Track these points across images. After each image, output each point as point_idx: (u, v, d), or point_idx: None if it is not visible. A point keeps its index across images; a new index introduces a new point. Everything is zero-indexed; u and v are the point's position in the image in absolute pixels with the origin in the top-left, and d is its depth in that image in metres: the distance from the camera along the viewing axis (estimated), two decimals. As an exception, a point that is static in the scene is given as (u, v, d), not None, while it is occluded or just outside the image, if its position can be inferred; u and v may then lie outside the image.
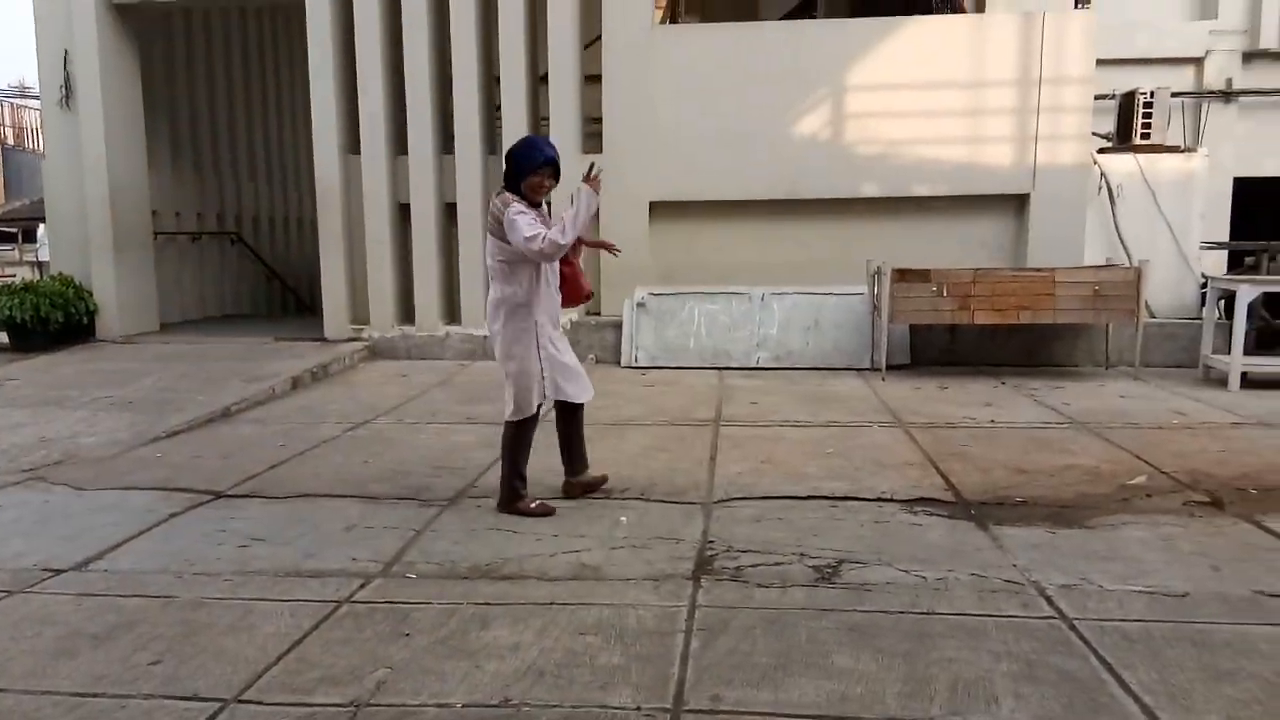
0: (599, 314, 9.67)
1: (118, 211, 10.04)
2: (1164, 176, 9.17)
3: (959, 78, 9.07)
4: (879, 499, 4.73)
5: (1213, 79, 11.67)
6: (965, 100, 9.10)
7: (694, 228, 9.54)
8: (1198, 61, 11.70)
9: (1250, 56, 11.69)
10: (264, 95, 13.71)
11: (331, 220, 9.67)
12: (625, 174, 9.41)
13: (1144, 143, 9.22)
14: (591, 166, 4.45)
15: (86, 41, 9.72)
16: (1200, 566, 3.77)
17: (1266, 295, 8.27)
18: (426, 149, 9.52)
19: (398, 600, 3.51)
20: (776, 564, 3.83)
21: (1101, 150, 9.43)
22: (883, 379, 8.22)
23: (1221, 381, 7.76)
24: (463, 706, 2.74)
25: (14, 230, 20.36)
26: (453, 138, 9.66)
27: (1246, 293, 7.64)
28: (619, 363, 9.14)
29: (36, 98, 13.15)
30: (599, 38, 9.48)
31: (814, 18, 9.84)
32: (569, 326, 9.45)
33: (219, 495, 4.91)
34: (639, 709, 2.70)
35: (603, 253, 9.59)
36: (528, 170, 4.33)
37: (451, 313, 9.86)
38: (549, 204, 4.68)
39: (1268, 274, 8.39)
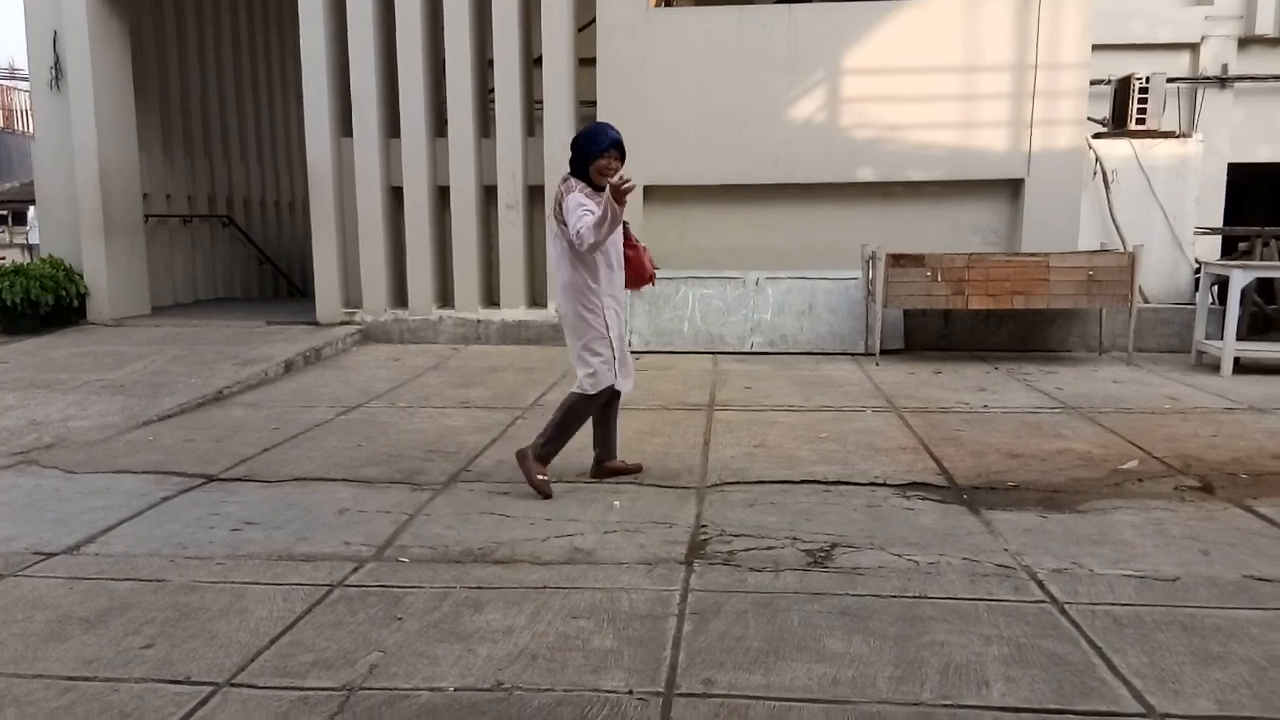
0: (593, 298, 9.63)
1: (108, 194, 9.97)
2: (1159, 162, 9.16)
3: (954, 62, 9.04)
4: (872, 483, 4.74)
5: (1208, 65, 11.66)
6: (960, 84, 9.06)
7: (688, 211, 9.51)
8: (1193, 47, 11.69)
9: (1246, 42, 11.69)
10: (255, 77, 13.61)
11: (324, 203, 9.62)
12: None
13: (1139, 128, 9.21)
14: (624, 180, 4.34)
15: (76, 22, 9.63)
16: (1191, 551, 3.79)
17: (1260, 281, 8.30)
18: (419, 132, 9.47)
19: (390, 584, 3.51)
20: (769, 548, 3.84)
21: (1096, 135, 9.42)
22: (877, 363, 8.22)
23: (1214, 366, 7.78)
24: (455, 690, 2.74)
25: (4, 213, 20.25)
26: (446, 120, 9.61)
27: (1240, 278, 7.65)
28: (613, 347, 9.11)
29: (26, 79, 13.01)
30: (593, 20, 9.42)
31: (809, 1, 9.78)
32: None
33: (211, 479, 4.90)
34: (631, 692, 2.71)
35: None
36: (594, 154, 4.35)
37: (445, 296, 9.83)
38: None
39: (1261, 259, 8.41)
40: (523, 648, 2.99)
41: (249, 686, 2.77)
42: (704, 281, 9.04)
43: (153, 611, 3.27)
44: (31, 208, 15.98)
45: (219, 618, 3.22)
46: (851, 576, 3.54)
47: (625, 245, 4.69)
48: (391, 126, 9.61)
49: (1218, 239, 10.96)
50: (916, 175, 9.24)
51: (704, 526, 4.11)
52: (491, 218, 9.69)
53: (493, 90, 9.61)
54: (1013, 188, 9.27)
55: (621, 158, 4.41)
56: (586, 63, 9.67)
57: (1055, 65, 8.95)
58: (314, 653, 2.96)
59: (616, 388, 4.67)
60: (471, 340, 9.49)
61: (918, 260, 8.11)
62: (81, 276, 9.92)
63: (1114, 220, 9.14)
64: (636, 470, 4.94)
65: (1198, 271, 8.77)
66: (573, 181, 4.43)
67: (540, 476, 4.58)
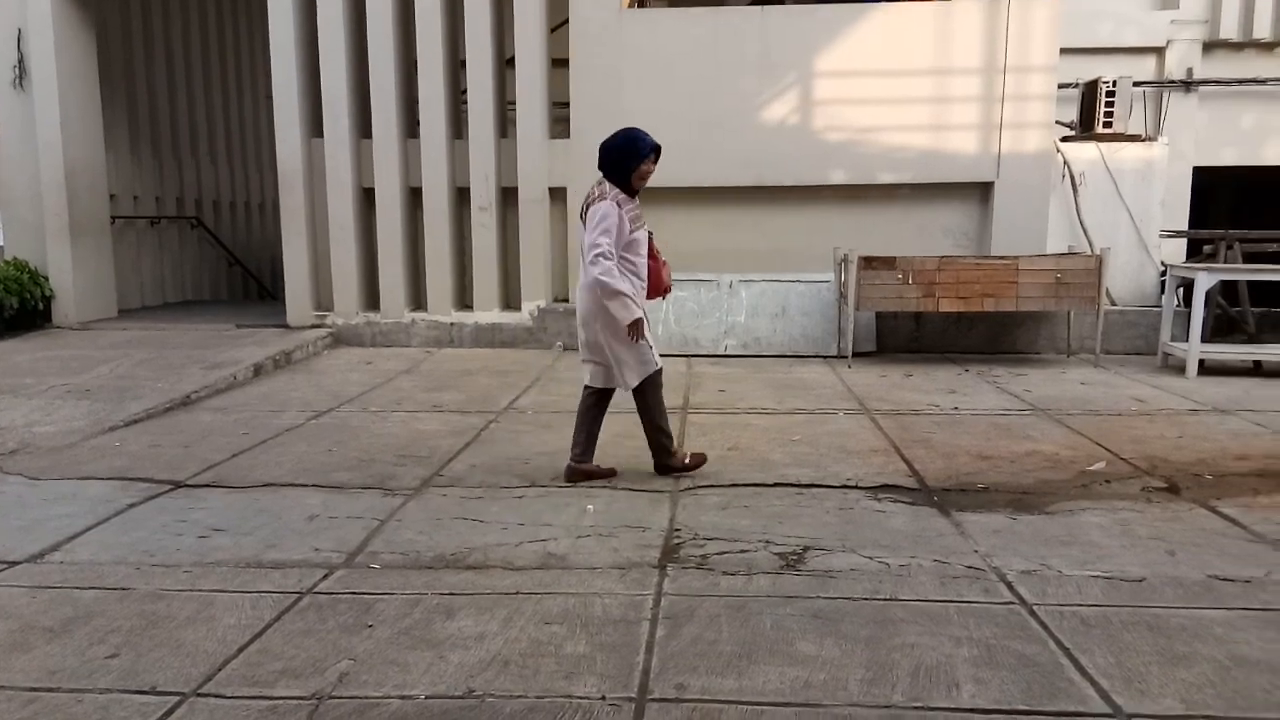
0: (567, 301, 9.63)
1: (74, 195, 9.82)
2: (1125, 165, 9.28)
3: (925, 65, 9.11)
4: (844, 486, 4.76)
5: (1174, 69, 11.82)
6: (931, 87, 9.14)
7: (662, 214, 9.46)
8: (1159, 51, 11.84)
9: (1210, 47, 11.85)
10: (225, 77, 13.46)
11: (294, 205, 9.53)
12: (593, 160, 9.32)
13: (1106, 131, 9.32)
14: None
15: (41, 20, 9.47)
16: (1156, 551, 3.84)
17: (1224, 284, 8.42)
18: (391, 132, 9.40)
19: (361, 591, 3.48)
20: (742, 551, 3.85)
21: (1065, 138, 9.53)
22: (849, 366, 8.27)
23: (1179, 368, 7.90)
24: (426, 698, 2.72)
25: (-33, 213, 19.88)
26: (418, 121, 9.55)
27: (1205, 281, 7.77)
28: (586, 349, 9.10)
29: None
30: (566, 21, 9.40)
31: (783, 3, 9.83)
32: (536, 313, 9.42)
33: (179, 485, 4.84)
34: (604, 698, 2.70)
35: (569, 236, 9.61)
36: (639, 161, 4.54)
37: (417, 299, 9.77)
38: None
39: (1225, 262, 8.54)
40: (495, 654, 2.97)
41: (216, 696, 2.73)
42: (678, 284, 9.01)
43: (118, 620, 3.23)
44: (-5, 208, 15.68)
45: (186, 626, 3.18)
46: (824, 579, 3.55)
47: (649, 256, 4.79)
48: (363, 127, 9.55)
49: (1183, 242, 11.12)
50: (888, 178, 9.30)
51: (677, 530, 4.11)
52: (464, 220, 9.65)
53: (465, 91, 9.57)
54: (983, 190, 9.35)
55: (657, 159, 4.62)
56: (560, 64, 9.67)
57: (1024, 68, 9.04)
58: (283, 661, 2.93)
59: (616, 385, 4.85)
60: (444, 343, 9.44)
61: (889, 263, 8.17)
62: (47, 279, 9.76)
63: (1081, 223, 9.25)
64: (611, 475, 4.95)
65: (1163, 274, 8.89)
66: (607, 187, 4.57)
67: (686, 457, 4.95)
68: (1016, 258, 8.22)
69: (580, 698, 2.71)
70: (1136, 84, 10.54)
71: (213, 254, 13.10)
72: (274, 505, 4.49)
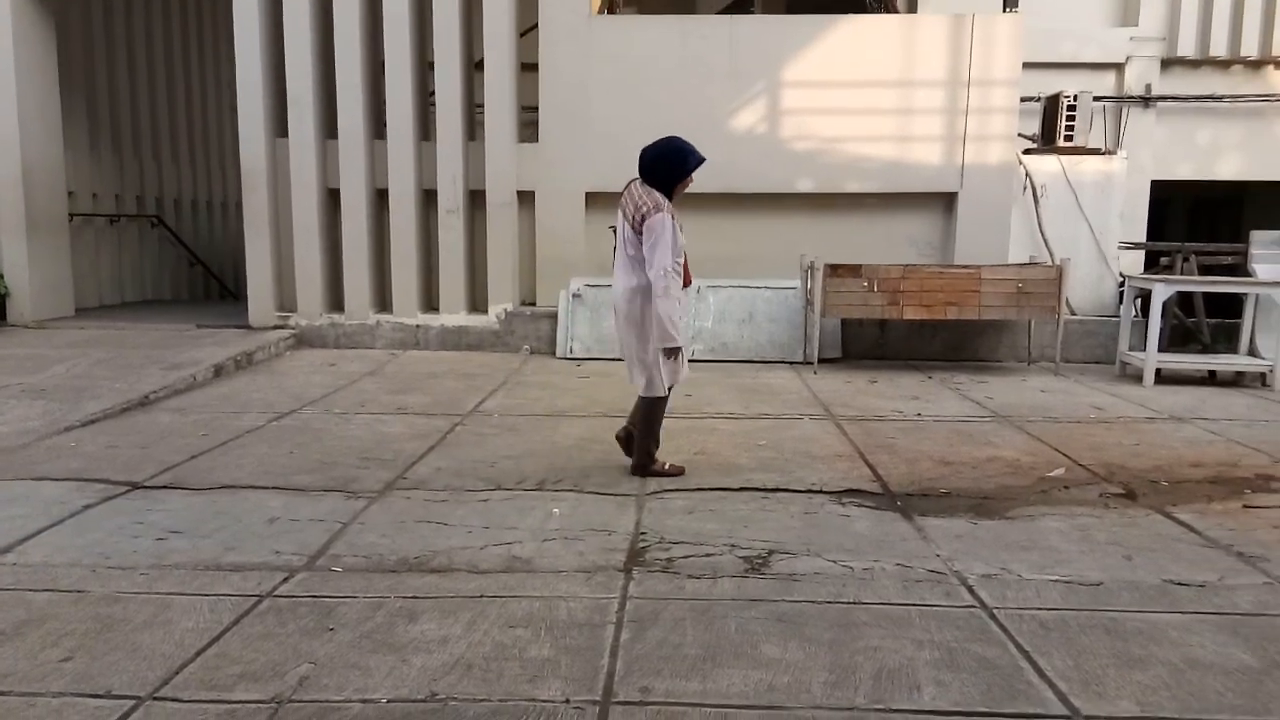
0: (534, 305, 9.61)
1: (31, 191, 9.63)
2: (1085, 178, 9.45)
3: (891, 77, 9.21)
4: (809, 490, 4.79)
5: (1133, 84, 12.05)
6: (897, 99, 9.24)
7: (630, 219, 9.50)
8: (1119, 67, 12.06)
9: (1168, 63, 12.10)
10: (188, 74, 13.28)
11: (257, 204, 9.41)
12: (562, 164, 9.36)
13: (1067, 145, 9.48)
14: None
15: (-1, 15, 9.30)
16: (1114, 556, 3.90)
17: (1180, 295, 8.60)
18: (357, 134, 9.32)
19: (322, 594, 3.44)
20: (707, 555, 3.85)
21: (1026, 151, 9.68)
22: (815, 372, 8.33)
23: (1137, 377, 8.05)
24: (388, 702, 2.69)
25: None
26: (385, 123, 9.48)
27: (1161, 292, 7.93)
28: (554, 354, 9.10)
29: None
30: (536, 25, 9.39)
31: (750, 13, 9.91)
32: (503, 316, 9.38)
33: (136, 486, 4.75)
34: (568, 701, 2.69)
35: (537, 240, 9.60)
36: (684, 174, 4.70)
37: (383, 301, 9.69)
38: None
39: (1181, 274, 8.72)
40: (458, 658, 2.95)
41: (173, 700, 2.69)
42: (645, 289, 9.04)
43: (72, 623, 3.16)
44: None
45: (142, 629, 3.12)
46: (788, 583, 3.57)
47: None
48: (328, 127, 9.45)
49: (1141, 254, 11.34)
50: (854, 187, 9.39)
51: (643, 534, 4.11)
52: (431, 222, 9.59)
53: (433, 93, 9.52)
54: (947, 201, 9.47)
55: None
56: (529, 68, 9.65)
57: (987, 82, 9.18)
58: (241, 665, 2.89)
59: (677, 382, 5.00)
60: (410, 345, 9.38)
61: (855, 271, 8.24)
62: (2, 277, 9.56)
63: (1043, 234, 9.39)
64: (681, 472, 5.08)
65: (1122, 285, 9.06)
66: (660, 197, 4.67)
67: (665, 465, 5.01)
68: (979, 267, 8.34)
69: (544, 701, 2.70)
70: (1097, 99, 10.72)
71: (174, 253, 12.90)
72: (233, 507, 4.42)
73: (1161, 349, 8.08)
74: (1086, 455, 5.54)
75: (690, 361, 8.69)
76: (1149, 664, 2.96)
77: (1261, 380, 8.02)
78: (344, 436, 5.85)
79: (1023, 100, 9.52)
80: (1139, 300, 8.72)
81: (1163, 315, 7.94)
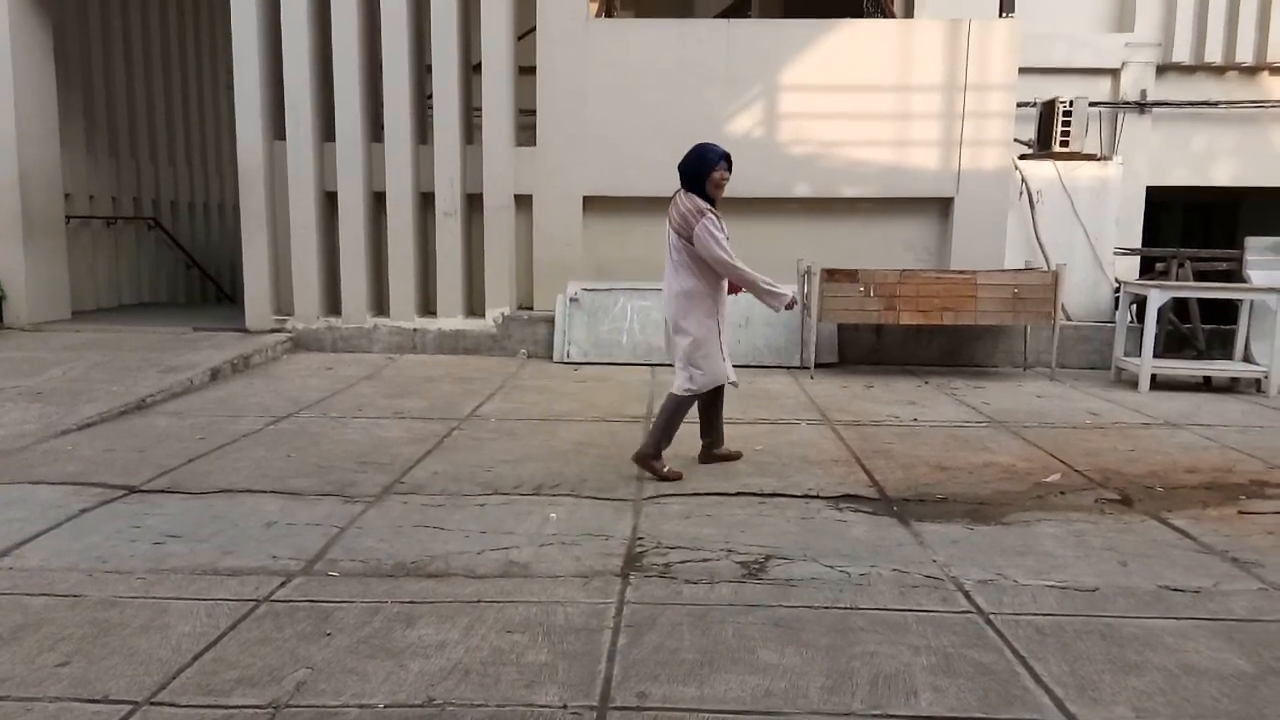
0: (531, 309, 9.61)
1: (28, 194, 9.62)
2: (1081, 183, 9.47)
3: (887, 81, 9.23)
4: (806, 495, 4.80)
5: (1128, 90, 12.10)
6: (894, 104, 9.26)
7: (628, 223, 9.52)
8: (1114, 72, 12.12)
9: (1164, 69, 12.15)
10: (185, 77, 13.27)
11: (254, 207, 9.41)
12: (559, 168, 9.37)
13: (1063, 150, 9.52)
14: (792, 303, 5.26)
15: (-4, 17, 9.29)
16: (1109, 561, 3.91)
17: (1175, 300, 8.62)
18: (355, 136, 9.32)
19: (319, 599, 3.44)
20: (705, 560, 3.86)
21: (1023, 156, 9.70)
22: (811, 377, 8.34)
23: (1132, 383, 8.07)
24: (385, 707, 2.69)
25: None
26: (382, 125, 9.49)
27: (1157, 297, 7.95)
28: (551, 358, 9.10)
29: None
30: (533, 29, 9.40)
31: (747, 17, 9.94)
32: (500, 320, 9.39)
33: (133, 490, 4.75)
34: (565, 707, 2.70)
35: (534, 244, 9.61)
36: (709, 169, 4.99)
37: (380, 304, 9.69)
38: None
39: (1177, 280, 8.74)
40: (455, 663, 2.95)
41: (170, 705, 2.69)
42: (643, 293, 9.06)
43: (69, 628, 3.16)
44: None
45: (139, 634, 3.12)
46: (785, 588, 3.58)
47: None
48: (326, 130, 9.45)
49: (1136, 259, 11.37)
50: (851, 192, 9.41)
51: (640, 539, 4.12)
52: (429, 225, 9.59)
53: (431, 96, 9.52)
54: (943, 206, 9.49)
55: (729, 168, 5.07)
56: (527, 71, 9.66)
57: (984, 87, 9.20)
58: (238, 670, 2.89)
59: (729, 381, 5.22)
60: (407, 349, 9.37)
61: (851, 275, 8.26)
62: (-3, 279, 9.56)
63: (1038, 239, 9.42)
64: (738, 457, 5.43)
65: (1117, 291, 9.08)
66: (699, 201, 4.97)
67: (665, 468, 5.06)
68: (975, 272, 8.36)
69: (542, 706, 2.70)
70: (1093, 104, 10.76)
71: (170, 256, 12.89)
72: (230, 512, 4.42)
73: (1157, 355, 8.10)
74: (1082, 461, 5.56)
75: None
76: (1144, 670, 2.97)
77: (1256, 386, 8.04)
78: (341, 440, 5.85)
79: (1019, 105, 9.55)
80: (1134, 306, 8.74)
81: (1158, 321, 7.97)
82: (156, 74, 12.56)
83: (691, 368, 5.07)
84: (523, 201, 9.47)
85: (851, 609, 3.39)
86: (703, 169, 5.00)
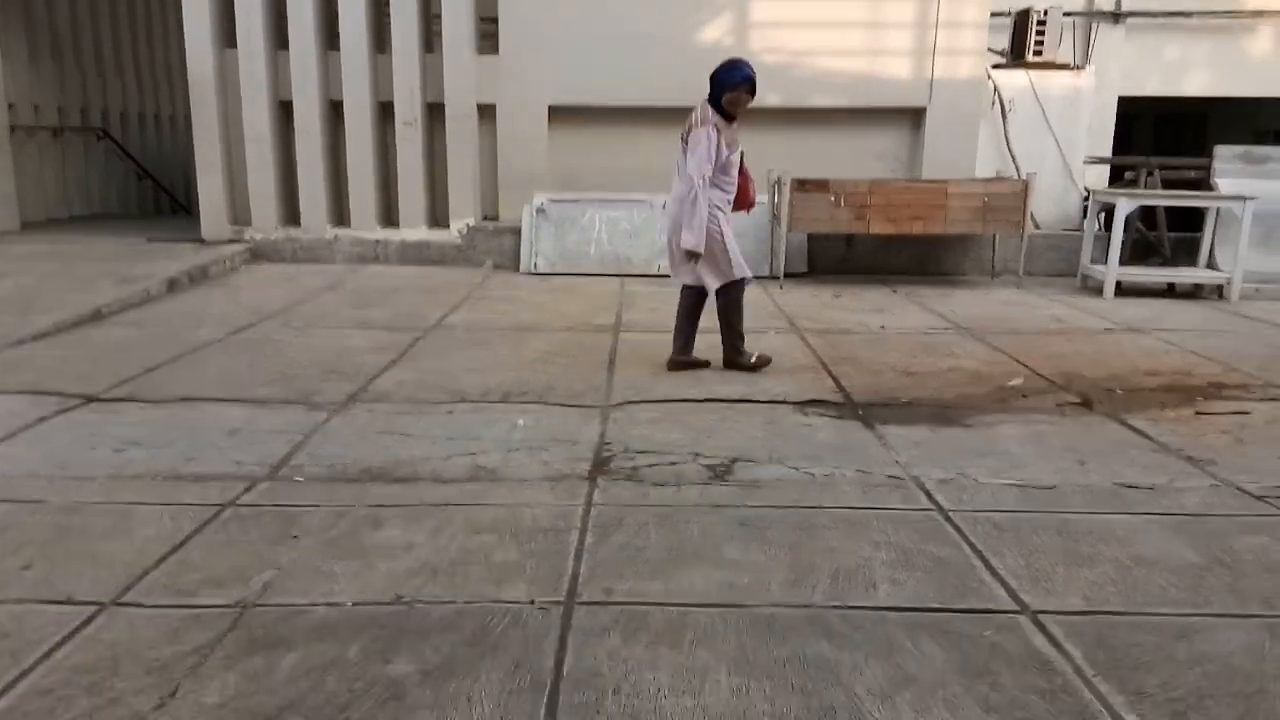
0: (497, 219, 9.46)
1: (-32, 101, 9.25)
2: (1054, 93, 9.39)
3: (861, -15, 9.01)
4: (772, 401, 4.82)
5: (1102, -1, 11.91)
6: (866, 12, 9.06)
7: (594, 133, 9.34)
8: (1090, -20, 11.90)
9: (1138, -23, 11.95)
10: (131, -21, 12.70)
11: (207, 118, 9.11)
12: (523, 77, 9.12)
13: (1036, 60, 9.40)
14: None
15: (-78, -93, 8.77)
16: (1068, 461, 3.99)
17: (1143, 209, 8.65)
18: (309, 44, 8.99)
19: (285, 503, 3.42)
20: (672, 464, 3.88)
21: (996, 66, 9.58)
22: (781, 287, 8.33)
23: (1098, 290, 8.14)
24: (353, 605, 2.71)
25: None
26: (338, 33, 9.14)
27: (1125, 206, 7.97)
28: (518, 269, 9.01)
29: None
30: (496, -72, 9.04)
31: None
32: (465, 231, 9.24)
33: (92, 399, 4.67)
34: (533, 602, 2.72)
35: (499, 154, 9.41)
36: (728, 86, 4.95)
37: (341, 215, 9.49)
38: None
39: (1145, 188, 8.76)
40: (423, 562, 2.96)
41: (136, 605, 2.68)
42: (611, 204, 8.95)
43: (31, 532, 3.13)
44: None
45: (103, 538, 3.10)
46: (750, 489, 3.61)
47: (740, 174, 5.26)
48: (279, 38, 9.10)
49: (1106, 168, 11.36)
50: (822, 102, 9.26)
51: (608, 444, 4.13)
52: (389, 135, 9.34)
53: (388, 2, 9.17)
54: (915, 116, 9.38)
55: (752, 92, 4.99)
56: (488, -26, 9.32)
57: (958, -8, 9.01)
58: (204, 571, 2.88)
59: (747, 275, 5.30)
60: (370, 260, 9.23)
61: (822, 186, 8.19)
62: (-59, 189, 9.23)
63: (1010, 149, 9.37)
64: (706, 365, 5.43)
65: (1087, 199, 9.09)
66: (709, 112, 4.98)
67: (754, 356, 5.34)
68: (945, 182, 8.31)
69: (509, 602, 2.72)
70: (1066, 14, 10.58)
71: (121, 166, 12.50)
72: (192, 419, 4.37)
73: (1123, 262, 8.16)
74: (1045, 365, 5.62)
75: (656, 276, 8.70)
76: (1097, 562, 3.05)
77: (1219, 292, 8.15)
78: (305, 349, 5.77)
79: (992, 15, 9.38)
80: (1103, 214, 8.77)
81: (1125, 229, 8.00)
82: (100, -24, 11.99)
83: (711, 266, 5.18)
84: (486, 111, 9.23)
85: (815, 508, 3.44)
86: (724, 83, 4.97)
